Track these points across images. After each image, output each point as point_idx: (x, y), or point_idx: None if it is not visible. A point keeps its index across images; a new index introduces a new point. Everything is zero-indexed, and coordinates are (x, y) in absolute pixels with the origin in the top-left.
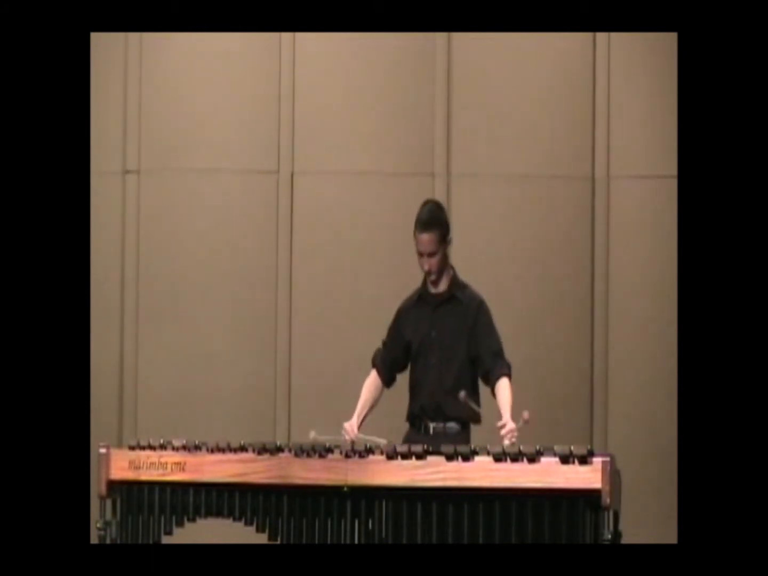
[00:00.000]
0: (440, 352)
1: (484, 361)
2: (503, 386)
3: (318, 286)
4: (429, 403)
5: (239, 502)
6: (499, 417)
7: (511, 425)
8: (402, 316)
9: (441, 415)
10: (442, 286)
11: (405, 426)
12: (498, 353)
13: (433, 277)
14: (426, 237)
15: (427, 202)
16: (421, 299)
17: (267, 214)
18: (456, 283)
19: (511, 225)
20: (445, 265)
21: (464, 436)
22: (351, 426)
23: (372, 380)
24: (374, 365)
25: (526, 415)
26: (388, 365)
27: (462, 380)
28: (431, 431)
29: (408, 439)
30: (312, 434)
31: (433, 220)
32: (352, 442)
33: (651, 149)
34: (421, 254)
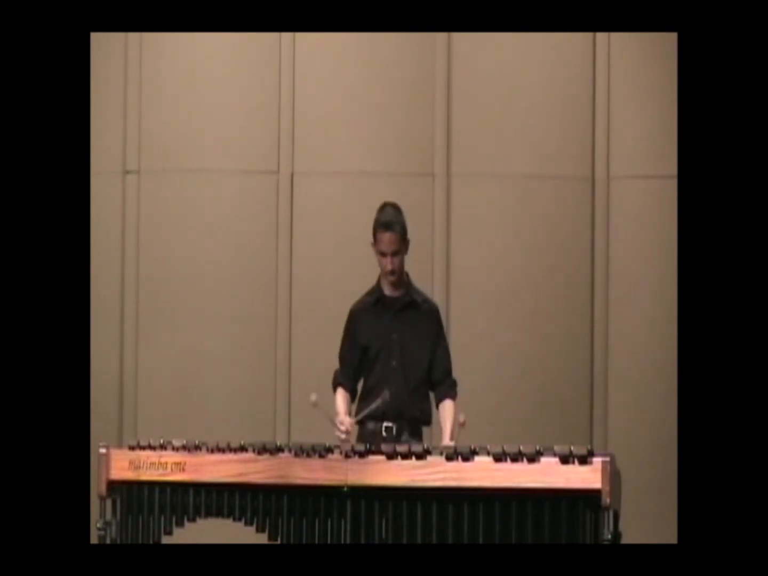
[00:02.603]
0: (402, 355)
1: (435, 374)
2: (448, 408)
3: (318, 286)
4: (392, 405)
5: (239, 502)
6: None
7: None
8: (357, 319)
9: (401, 416)
10: (401, 288)
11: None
12: (449, 370)
13: (394, 278)
14: (389, 236)
15: (385, 205)
16: (378, 302)
17: (267, 214)
18: (412, 287)
19: (511, 225)
20: (403, 264)
21: (417, 438)
22: (343, 419)
23: (341, 395)
24: (338, 385)
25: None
26: (352, 378)
27: (424, 383)
28: (393, 432)
29: (368, 441)
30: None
31: (394, 219)
32: (347, 432)
33: (651, 149)
34: (384, 254)
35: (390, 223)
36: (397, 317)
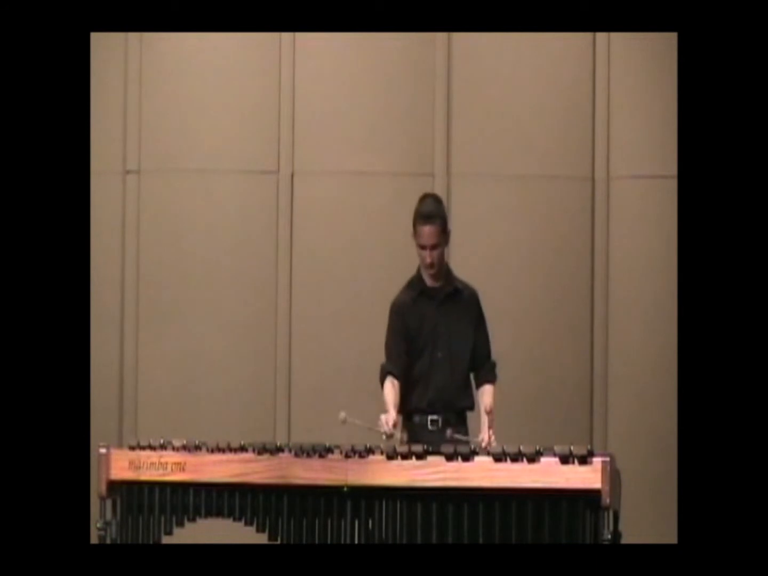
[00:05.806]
0: (447, 346)
1: (476, 359)
2: (487, 394)
3: (318, 286)
4: (438, 397)
5: (239, 502)
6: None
7: (486, 438)
8: (404, 312)
9: (447, 408)
10: (441, 279)
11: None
12: (489, 354)
13: (434, 270)
14: (429, 229)
15: (426, 196)
16: (423, 294)
17: (267, 214)
18: (454, 276)
19: (511, 225)
20: (443, 257)
21: (464, 426)
22: (388, 419)
23: (391, 384)
24: (388, 374)
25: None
26: (401, 368)
27: (468, 372)
28: (440, 424)
29: (414, 433)
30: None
31: (435, 212)
32: (391, 431)
33: (651, 149)
34: (423, 247)
35: (430, 215)
36: (441, 308)
